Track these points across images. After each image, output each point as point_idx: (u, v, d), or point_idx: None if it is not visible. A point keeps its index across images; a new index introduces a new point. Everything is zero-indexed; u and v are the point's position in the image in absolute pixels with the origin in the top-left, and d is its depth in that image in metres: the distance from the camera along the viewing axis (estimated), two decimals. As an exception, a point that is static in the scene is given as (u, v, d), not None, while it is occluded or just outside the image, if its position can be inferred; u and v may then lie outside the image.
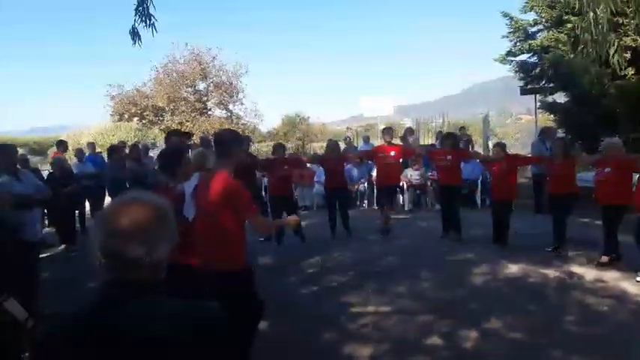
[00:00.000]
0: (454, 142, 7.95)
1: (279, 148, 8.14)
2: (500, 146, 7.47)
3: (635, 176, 6.35)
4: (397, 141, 11.20)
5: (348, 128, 23.49)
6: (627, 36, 11.34)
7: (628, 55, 11.59)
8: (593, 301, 4.80)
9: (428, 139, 19.31)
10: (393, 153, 8.00)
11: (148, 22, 4.35)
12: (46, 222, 8.78)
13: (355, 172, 11.16)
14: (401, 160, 8.87)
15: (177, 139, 4.33)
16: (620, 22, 11.05)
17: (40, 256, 5.54)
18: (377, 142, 13.76)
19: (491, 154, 8.66)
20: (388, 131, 8.52)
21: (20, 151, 10.11)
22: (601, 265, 5.86)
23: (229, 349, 1.34)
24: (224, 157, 3.28)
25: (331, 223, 7.93)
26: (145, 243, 1.21)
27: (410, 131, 13.87)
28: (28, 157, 10.55)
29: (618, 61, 5.88)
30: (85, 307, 1.23)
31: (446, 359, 3.71)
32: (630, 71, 11.40)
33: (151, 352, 1.14)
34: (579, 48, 8.65)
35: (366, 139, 14.65)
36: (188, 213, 3.35)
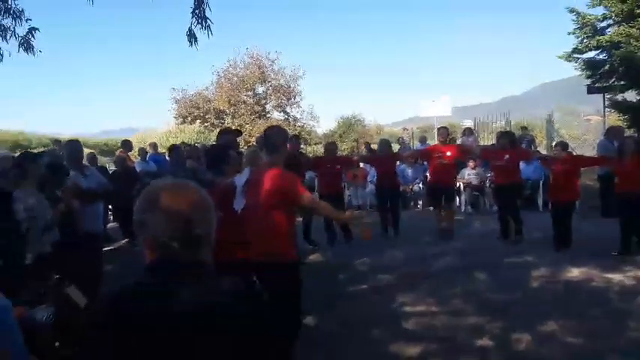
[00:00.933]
0: (511, 140, 7.68)
1: (330, 146, 8.18)
2: (562, 145, 7.15)
3: None
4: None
5: (404, 129, 23.18)
6: None
7: None
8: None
9: (489, 141, 18.72)
10: (448, 153, 7.81)
11: (204, 24, 4.52)
12: (111, 217, 9.26)
13: (409, 172, 11.02)
14: (456, 161, 8.65)
15: (228, 136, 4.45)
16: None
17: (105, 249, 5.88)
18: (434, 143, 13.54)
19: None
20: (442, 131, 8.36)
21: (90, 151, 10.76)
22: None
23: (281, 341, 1.33)
24: (273, 152, 3.36)
25: (383, 224, 7.86)
26: (204, 223, 1.26)
27: (469, 131, 13.56)
28: (98, 156, 11.18)
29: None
30: (137, 286, 1.23)
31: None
32: None
33: (209, 335, 1.12)
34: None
35: (423, 140, 14.44)
36: (237, 205, 3.43)
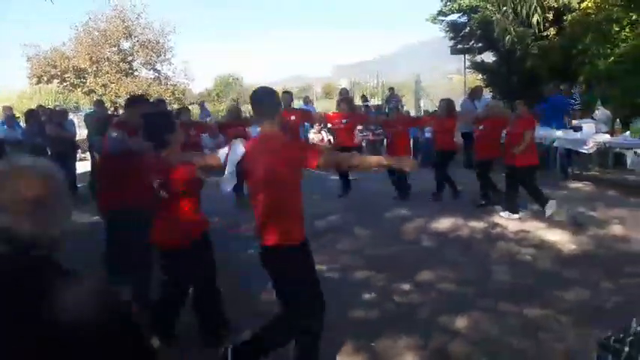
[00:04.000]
0: (350, 106, 8.15)
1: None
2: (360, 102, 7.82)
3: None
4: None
5: (284, 90, 23.16)
6: (550, -4, 11.78)
7: (550, 16, 12.11)
8: (517, 251, 5.14)
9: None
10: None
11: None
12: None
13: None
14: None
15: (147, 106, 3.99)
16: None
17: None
18: (316, 103, 13.76)
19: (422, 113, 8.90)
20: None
21: None
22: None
23: (137, 341, 1.19)
24: (270, 117, 2.85)
25: None
26: (37, 217, 1.10)
27: (345, 92, 13.95)
28: None
29: (537, 21, 6.14)
30: None
31: (383, 312, 3.85)
32: (552, 31, 11.93)
33: (45, 336, 1.02)
34: (502, 8, 9.02)
35: (306, 100, 14.62)
36: (226, 188, 2.99)
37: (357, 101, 17.68)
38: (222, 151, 2.98)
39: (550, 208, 6.10)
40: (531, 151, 6.30)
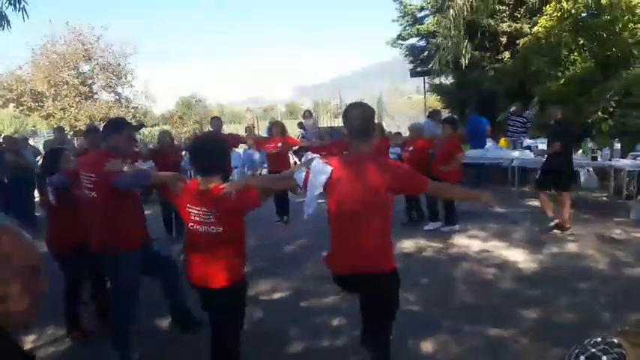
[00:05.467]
0: (282, 129, 7.99)
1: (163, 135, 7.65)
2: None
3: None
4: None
5: (248, 110, 23.15)
6: (503, 22, 12.32)
7: (504, 40, 12.64)
8: (479, 270, 5.26)
9: (327, 120, 19.65)
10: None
11: (17, 5, 3.93)
12: None
13: (257, 156, 11.10)
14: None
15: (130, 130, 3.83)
16: (497, 9, 11.97)
17: None
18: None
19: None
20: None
21: None
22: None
23: None
24: (366, 137, 2.64)
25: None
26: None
27: (308, 113, 14.08)
28: None
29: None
30: None
31: (352, 337, 3.86)
32: (506, 55, 12.43)
33: None
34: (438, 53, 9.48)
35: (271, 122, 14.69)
36: (309, 210, 2.78)
37: (322, 122, 17.89)
38: (299, 173, 2.76)
39: (450, 228, 6.82)
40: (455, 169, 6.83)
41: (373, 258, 2.61)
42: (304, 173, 2.70)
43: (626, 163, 7.45)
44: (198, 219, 2.79)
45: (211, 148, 2.92)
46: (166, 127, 26.26)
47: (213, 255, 2.80)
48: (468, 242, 6.28)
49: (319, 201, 2.74)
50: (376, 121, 13.08)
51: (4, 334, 1.05)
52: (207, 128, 27.63)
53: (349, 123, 2.64)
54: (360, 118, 2.62)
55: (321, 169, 2.62)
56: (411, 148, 7.28)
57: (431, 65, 14.92)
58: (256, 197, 2.82)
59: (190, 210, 2.82)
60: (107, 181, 3.24)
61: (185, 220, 2.90)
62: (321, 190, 2.64)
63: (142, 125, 6.04)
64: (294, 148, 8.81)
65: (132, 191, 3.46)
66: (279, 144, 7.62)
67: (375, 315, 2.74)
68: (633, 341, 1.16)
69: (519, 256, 5.60)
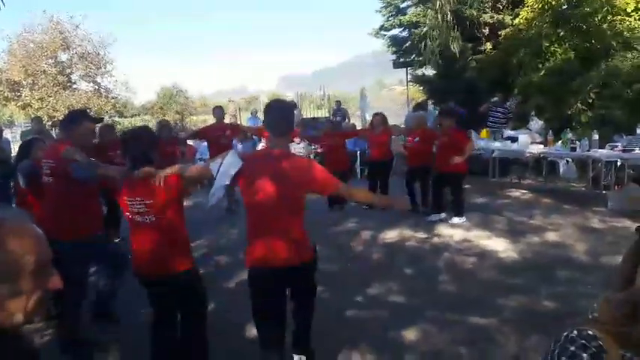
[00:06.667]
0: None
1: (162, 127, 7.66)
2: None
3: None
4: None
5: (230, 101, 22.91)
6: (485, 13, 12.35)
7: (486, 31, 12.69)
8: (462, 261, 5.31)
9: (310, 111, 19.62)
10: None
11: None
12: None
13: (240, 146, 11.00)
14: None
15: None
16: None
17: None
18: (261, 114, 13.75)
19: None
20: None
21: None
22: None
23: None
24: (284, 133, 2.73)
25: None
26: None
27: (292, 105, 14.03)
28: None
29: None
30: None
31: (333, 328, 3.86)
32: (488, 46, 12.48)
33: None
34: (422, 44, 9.51)
35: (254, 113, 14.60)
36: (212, 201, 2.81)
37: (305, 112, 17.82)
38: (214, 164, 2.77)
39: (459, 221, 6.72)
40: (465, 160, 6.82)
41: (287, 251, 2.65)
42: (218, 165, 2.72)
43: (603, 153, 7.56)
44: (135, 209, 2.84)
45: (142, 138, 2.98)
46: (147, 118, 25.92)
47: (154, 244, 2.84)
48: (451, 232, 6.33)
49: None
50: (358, 113, 13.03)
51: (10, 333, 1.02)
52: (189, 118, 27.34)
53: (269, 119, 2.72)
54: (279, 115, 2.72)
55: (233, 162, 2.67)
56: (417, 138, 7.38)
57: (414, 56, 14.98)
58: (180, 184, 2.84)
59: (128, 200, 2.86)
60: (63, 167, 3.34)
61: (123, 210, 2.96)
62: (228, 182, 2.68)
63: (100, 119, 5.96)
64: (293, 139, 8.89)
65: (87, 182, 3.47)
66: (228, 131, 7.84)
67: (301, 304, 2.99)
68: (605, 328, 1.16)
69: (500, 246, 5.66)
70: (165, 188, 2.76)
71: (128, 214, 2.89)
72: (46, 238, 1.06)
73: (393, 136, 8.23)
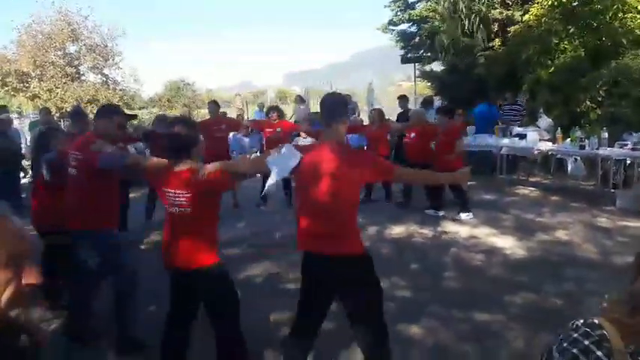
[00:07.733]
0: (280, 113, 8.18)
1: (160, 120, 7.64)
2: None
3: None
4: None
5: (237, 95, 22.92)
6: (495, 9, 12.26)
7: (495, 27, 12.60)
8: (469, 257, 5.30)
9: (318, 106, 19.47)
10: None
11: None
12: None
13: (246, 140, 11.03)
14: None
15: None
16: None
17: None
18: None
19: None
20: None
21: None
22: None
23: None
24: (336, 123, 2.69)
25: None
26: None
27: (300, 99, 14.01)
28: None
29: (482, 37, 6.46)
30: None
31: (338, 323, 3.87)
32: (497, 42, 12.39)
33: None
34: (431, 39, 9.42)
35: (261, 107, 14.60)
36: (271, 189, 2.83)
37: (312, 107, 17.77)
38: (271, 157, 2.73)
39: (466, 217, 6.71)
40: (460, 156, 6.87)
41: (337, 242, 2.64)
42: (275, 158, 2.72)
43: (612, 151, 7.51)
44: (172, 201, 2.83)
45: (181, 130, 2.92)
46: (155, 110, 25.98)
47: (185, 236, 2.83)
48: (458, 228, 6.32)
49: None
50: (366, 109, 12.95)
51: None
52: (197, 111, 27.36)
53: (321, 111, 2.76)
54: (328, 106, 2.73)
55: (291, 155, 2.67)
56: (412, 134, 7.35)
57: (422, 51, 14.91)
58: (228, 180, 2.90)
59: (166, 192, 2.85)
60: (91, 160, 3.35)
61: (162, 201, 2.95)
62: (287, 175, 2.70)
63: (134, 116, 5.99)
64: (293, 133, 8.83)
65: (112, 172, 3.50)
66: (278, 129, 7.64)
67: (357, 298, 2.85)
68: (612, 316, 1.17)
69: (508, 243, 5.65)
70: (205, 182, 2.77)
71: (166, 205, 2.90)
72: (25, 231, 1.06)
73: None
